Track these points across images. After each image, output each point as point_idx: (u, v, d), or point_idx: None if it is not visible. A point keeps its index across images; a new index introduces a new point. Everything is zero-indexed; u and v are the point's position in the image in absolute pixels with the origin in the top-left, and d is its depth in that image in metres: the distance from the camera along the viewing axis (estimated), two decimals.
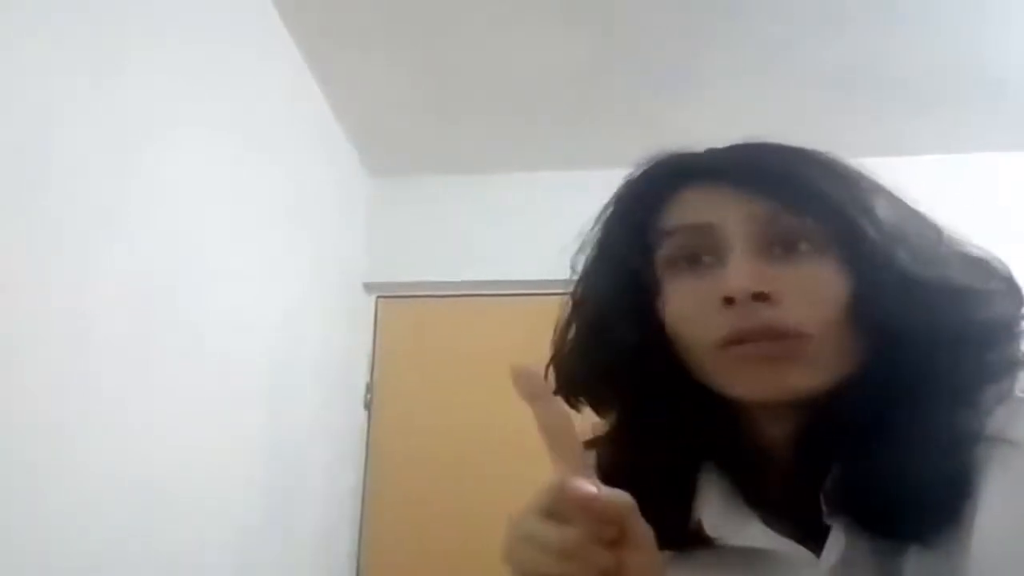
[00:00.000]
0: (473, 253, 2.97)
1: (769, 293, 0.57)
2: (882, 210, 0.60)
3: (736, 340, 0.58)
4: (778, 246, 0.60)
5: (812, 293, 0.58)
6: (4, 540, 1.24)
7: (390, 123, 2.79)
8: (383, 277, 3.04)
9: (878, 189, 0.64)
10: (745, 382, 0.59)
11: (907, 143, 2.70)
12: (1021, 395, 0.58)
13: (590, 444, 0.69)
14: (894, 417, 0.57)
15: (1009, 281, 0.62)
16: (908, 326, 0.57)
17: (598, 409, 0.70)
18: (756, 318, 0.58)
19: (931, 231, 0.63)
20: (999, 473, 0.53)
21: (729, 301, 0.58)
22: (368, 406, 2.95)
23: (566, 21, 2.27)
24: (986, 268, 0.62)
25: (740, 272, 0.58)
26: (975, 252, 0.64)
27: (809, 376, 0.58)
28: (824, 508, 0.58)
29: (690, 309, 0.61)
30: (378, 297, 3.08)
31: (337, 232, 2.81)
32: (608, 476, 0.63)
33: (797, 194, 0.60)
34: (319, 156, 2.65)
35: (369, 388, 2.97)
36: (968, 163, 2.78)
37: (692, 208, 0.63)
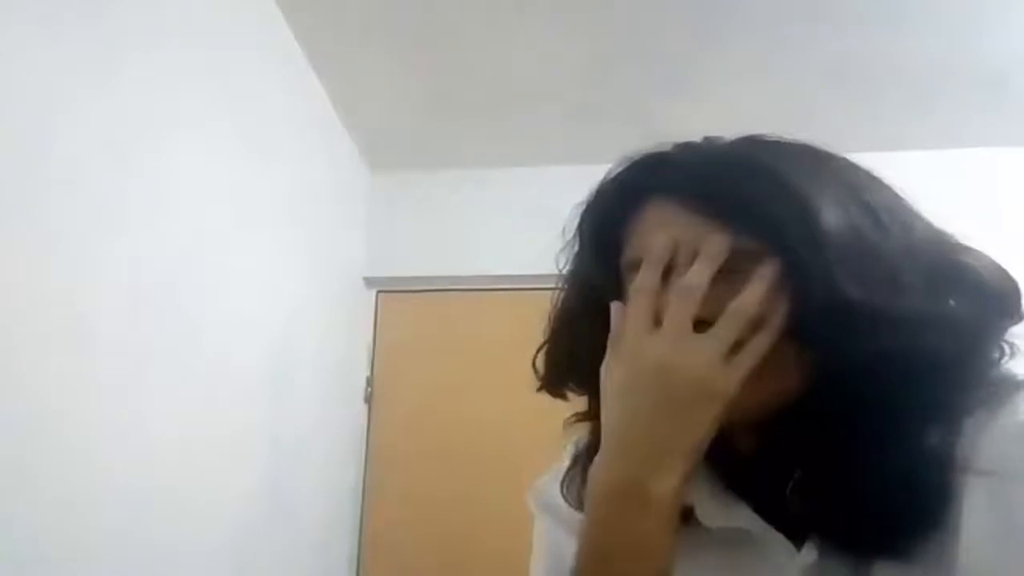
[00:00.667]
0: (473, 248, 2.97)
1: (707, 318, 0.58)
2: (833, 220, 0.58)
3: None
4: (725, 270, 0.60)
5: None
6: (4, 540, 1.24)
7: (390, 118, 2.79)
8: (383, 272, 3.05)
9: (843, 188, 0.61)
10: None
11: (907, 139, 2.70)
12: (990, 414, 0.57)
13: (583, 417, 0.72)
14: (849, 437, 0.58)
15: (982, 290, 0.60)
16: (846, 349, 0.57)
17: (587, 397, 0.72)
18: None
19: (902, 233, 0.60)
20: (976, 504, 0.53)
21: None
22: (368, 401, 2.96)
23: (566, 17, 2.27)
24: (958, 276, 0.60)
25: None
26: (955, 253, 0.61)
27: (748, 393, 0.58)
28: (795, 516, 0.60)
29: None
30: (378, 292, 3.08)
31: (337, 227, 2.81)
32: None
33: (740, 216, 0.60)
34: (320, 151, 2.65)
35: (369, 383, 2.97)
36: (968, 158, 2.78)
37: (649, 234, 0.64)
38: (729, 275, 0.59)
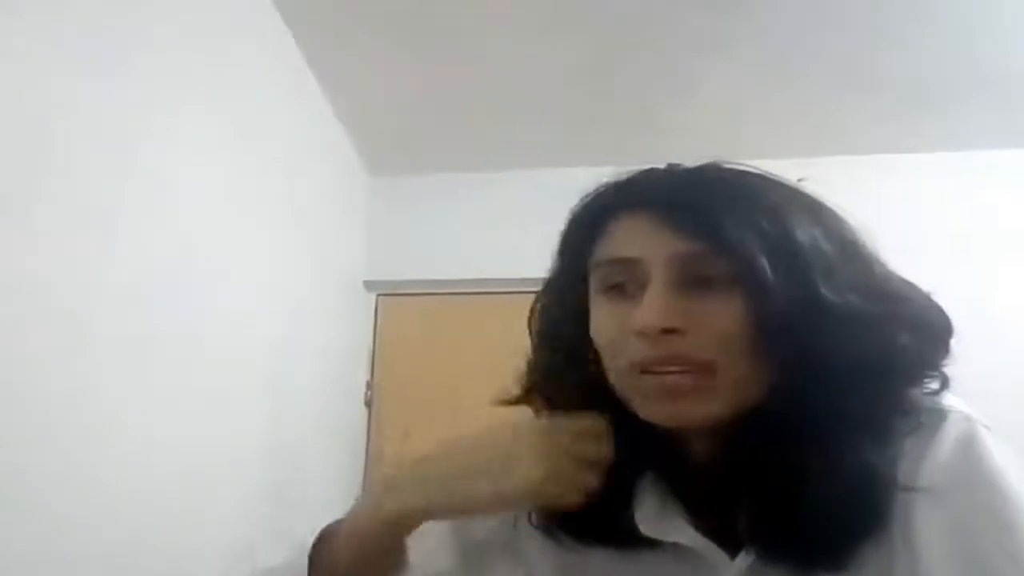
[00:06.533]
0: (473, 251, 2.96)
1: (677, 328, 0.61)
2: (802, 236, 0.62)
3: (647, 368, 0.62)
4: (694, 281, 0.62)
5: (718, 327, 0.61)
6: (3, 540, 1.24)
7: (390, 121, 2.79)
8: (383, 275, 3.04)
9: (808, 213, 0.65)
10: (652, 409, 0.64)
11: (909, 141, 2.70)
12: (924, 443, 0.60)
13: None
14: (795, 449, 0.60)
15: (922, 323, 0.64)
16: (813, 347, 0.60)
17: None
18: (665, 348, 0.62)
19: (861, 261, 0.65)
20: (932, 529, 0.57)
21: (641, 334, 0.62)
22: (369, 404, 2.95)
23: (566, 19, 2.27)
24: (903, 305, 0.64)
25: (652, 308, 0.61)
26: (901, 286, 0.65)
27: (709, 406, 0.62)
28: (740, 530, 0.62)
29: (609, 335, 0.66)
30: (378, 295, 3.08)
31: (337, 230, 2.81)
32: None
33: (710, 235, 0.62)
34: (319, 154, 2.65)
35: (370, 386, 2.97)
36: (970, 161, 2.78)
37: (620, 241, 0.66)
38: (700, 288, 0.62)
